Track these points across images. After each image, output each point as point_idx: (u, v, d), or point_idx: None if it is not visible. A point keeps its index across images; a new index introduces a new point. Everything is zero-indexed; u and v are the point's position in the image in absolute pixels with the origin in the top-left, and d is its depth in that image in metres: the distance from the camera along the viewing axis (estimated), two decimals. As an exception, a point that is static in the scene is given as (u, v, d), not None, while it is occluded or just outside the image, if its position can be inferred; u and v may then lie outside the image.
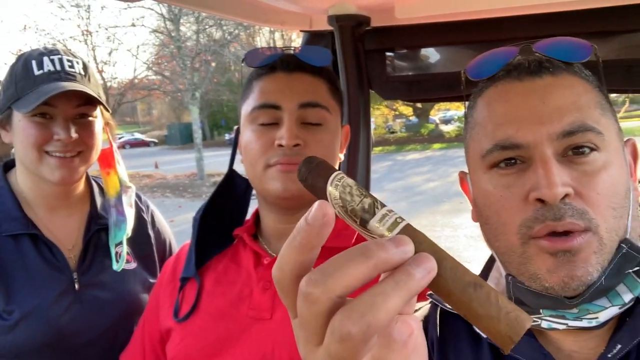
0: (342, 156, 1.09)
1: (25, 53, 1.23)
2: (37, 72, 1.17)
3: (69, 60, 1.21)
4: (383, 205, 0.39)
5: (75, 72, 1.21)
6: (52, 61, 1.19)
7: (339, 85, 1.08)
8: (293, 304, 0.37)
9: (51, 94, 1.12)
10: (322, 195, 0.41)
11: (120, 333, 1.24)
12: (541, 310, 0.64)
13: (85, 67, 1.24)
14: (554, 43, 0.68)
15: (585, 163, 0.61)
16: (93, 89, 1.22)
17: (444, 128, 28.44)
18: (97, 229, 1.30)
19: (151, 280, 1.36)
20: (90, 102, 1.22)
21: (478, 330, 0.71)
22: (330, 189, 0.40)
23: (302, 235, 0.36)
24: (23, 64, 1.19)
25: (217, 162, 19.62)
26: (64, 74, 1.19)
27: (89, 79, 1.24)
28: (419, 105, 27.01)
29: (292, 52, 1.02)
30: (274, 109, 0.96)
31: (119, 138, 37.90)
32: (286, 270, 0.37)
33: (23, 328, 1.13)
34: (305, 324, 0.36)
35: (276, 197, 0.98)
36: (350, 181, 0.40)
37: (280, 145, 0.95)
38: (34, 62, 1.18)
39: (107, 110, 1.32)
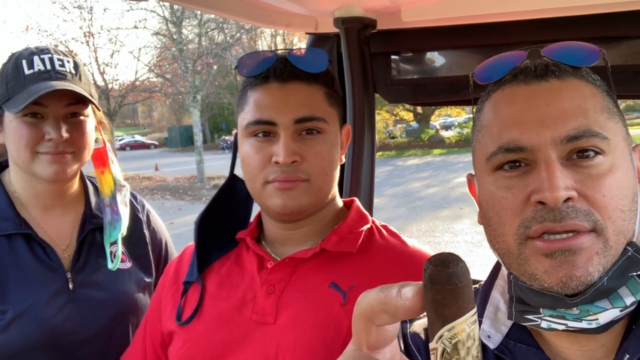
0: (343, 157, 1.07)
1: (17, 52, 1.22)
2: (27, 72, 1.16)
3: (59, 59, 1.20)
4: None
5: (65, 71, 1.20)
6: (43, 60, 1.18)
7: (337, 87, 1.05)
8: (356, 333, 0.39)
9: (40, 94, 1.11)
10: (439, 312, 0.34)
11: (115, 332, 1.23)
12: (541, 310, 0.63)
13: (76, 66, 1.23)
14: (563, 47, 0.68)
15: (590, 166, 0.61)
16: (84, 88, 1.21)
17: (444, 134, 28.48)
18: (91, 229, 1.29)
19: (146, 280, 1.34)
20: (81, 101, 1.21)
21: (485, 341, 0.70)
22: (456, 322, 0.33)
23: (386, 300, 0.36)
24: (14, 64, 1.18)
25: (217, 165, 19.63)
26: (54, 73, 1.17)
27: (80, 78, 1.22)
28: (419, 110, 27.12)
29: (286, 55, 0.98)
30: (269, 125, 0.95)
31: (119, 140, 37.96)
32: (361, 304, 0.38)
33: (16, 328, 1.12)
34: None
35: (276, 213, 0.98)
36: (477, 332, 0.35)
37: (277, 162, 0.94)
38: (24, 62, 1.17)
39: (99, 109, 1.31)
